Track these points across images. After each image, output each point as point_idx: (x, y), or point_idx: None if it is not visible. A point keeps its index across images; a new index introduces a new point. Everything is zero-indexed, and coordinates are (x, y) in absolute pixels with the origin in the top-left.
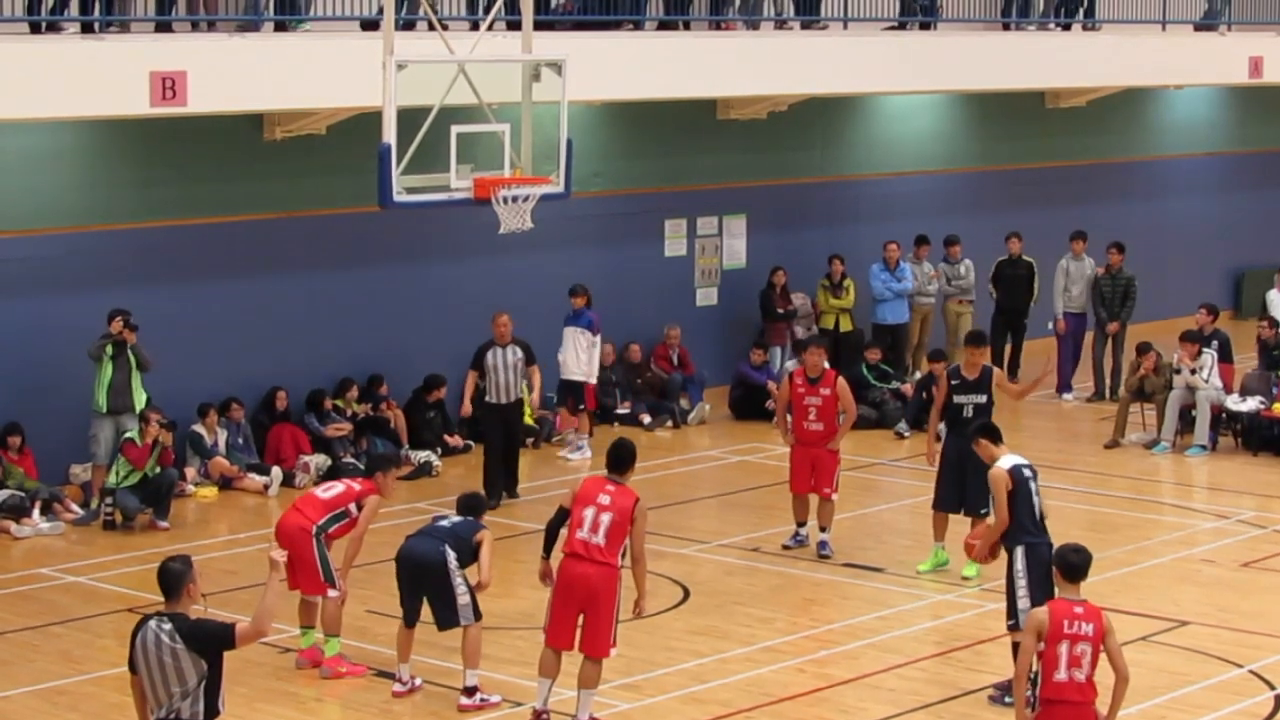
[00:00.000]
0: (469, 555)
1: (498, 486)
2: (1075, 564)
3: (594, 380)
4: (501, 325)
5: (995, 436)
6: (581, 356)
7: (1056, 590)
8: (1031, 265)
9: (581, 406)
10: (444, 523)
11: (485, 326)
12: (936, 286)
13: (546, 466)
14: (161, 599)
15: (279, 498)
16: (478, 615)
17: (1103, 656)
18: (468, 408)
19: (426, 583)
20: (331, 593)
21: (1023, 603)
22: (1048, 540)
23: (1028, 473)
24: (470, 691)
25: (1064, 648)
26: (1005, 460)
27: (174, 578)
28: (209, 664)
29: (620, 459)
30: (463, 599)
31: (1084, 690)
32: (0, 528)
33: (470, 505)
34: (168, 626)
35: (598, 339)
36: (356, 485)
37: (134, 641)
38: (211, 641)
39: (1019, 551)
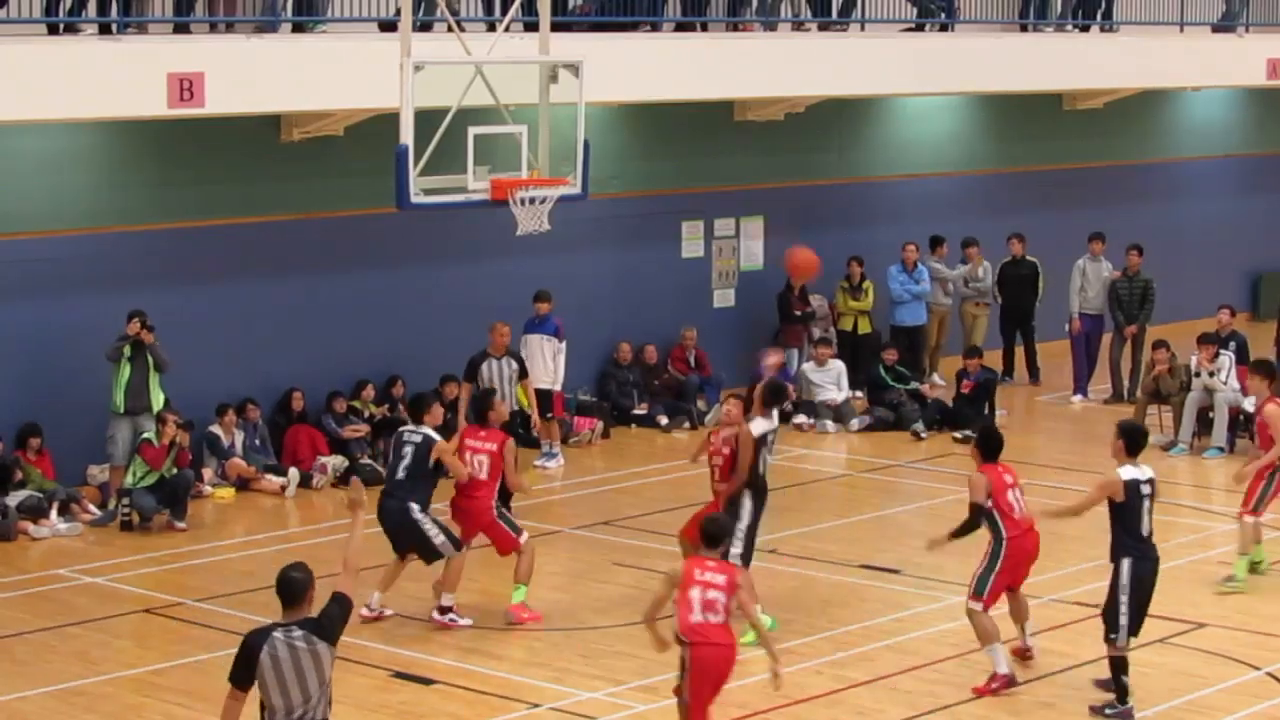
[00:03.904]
0: (430, 482)
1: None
2: None
3: (560, 387)
4: (501, 336)
5: (1130, 442)
6: (549, 364)
7: None
8: (1036, 265)
9: (550, 415)
10: (400, 474)
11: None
12: (953, 288)
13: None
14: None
15: (295, 499)
16: (457, 546)
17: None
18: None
19: (404, 537)
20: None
21: (1123, 619)
22: (1152, 556)
23: (1146, 489)
24: (444, 610)
25: None
26: (1126, 470)
27: (298, 587)
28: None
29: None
30: (437, 539)
31: None
32: (18, 529)
33: (414, 409)
34: (299, 632)
35: (563, 345)
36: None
37: (255, 657)
38: (339, 621)
39: (1125, 564)
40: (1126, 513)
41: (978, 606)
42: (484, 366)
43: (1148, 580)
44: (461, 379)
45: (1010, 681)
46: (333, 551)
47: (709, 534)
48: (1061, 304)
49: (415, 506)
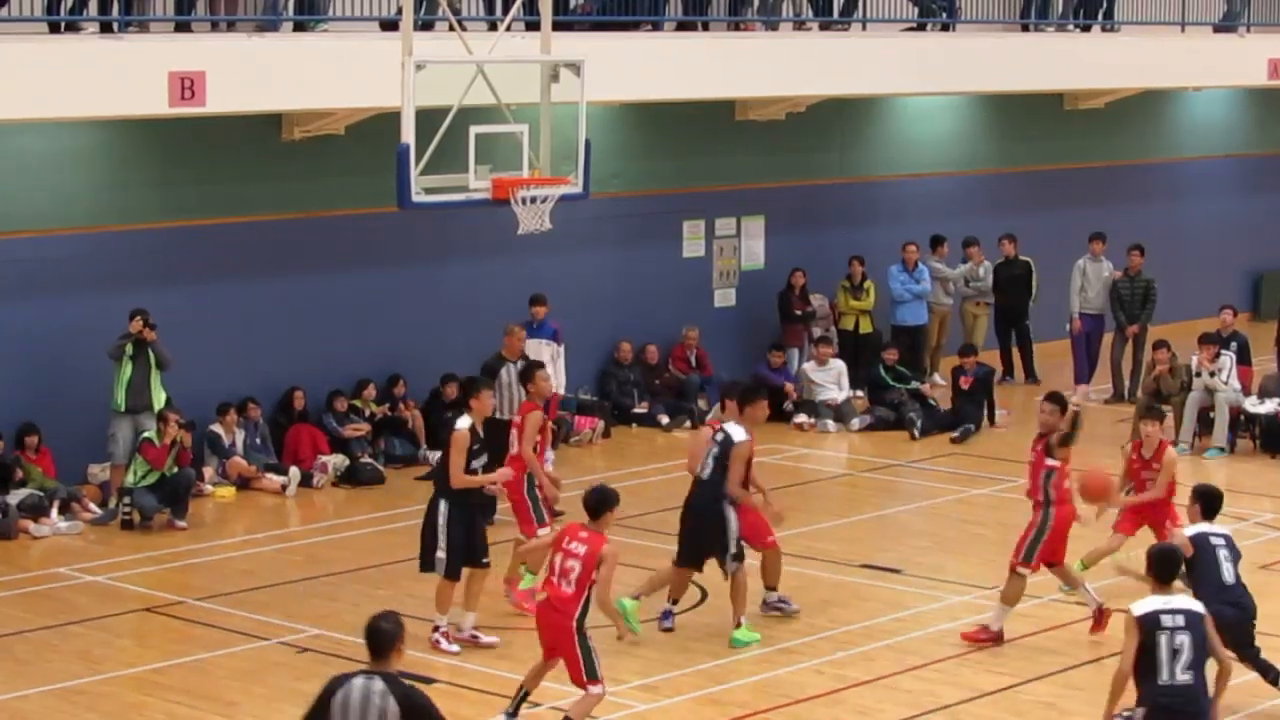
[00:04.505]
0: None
1: (495, 505)
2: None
3: (561, 390)
4: (517, 339)
5: (1206, 504)
6: (548, 368)
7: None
8: (1029, 264)
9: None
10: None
11: (503, 327)
12: (954, 288)
13: (564, 466)
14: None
15: (296, 498)
16: (448, 573)
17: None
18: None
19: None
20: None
21: None
22: (1236, 601)
23: (1216, 539)
24: (436, 628)
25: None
26: (1190, 528)
27: (385, 638)
28: None
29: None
30: (438, 553)
31: None
32: (19, 527)
33: (462, 394)
34: (380, 685)
35: (562, 349)
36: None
37: (329, 697)
38: (422, 709)
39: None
40: (1202, 566)
41: (1026, 571)
42: (502, 371)
43: (1229, 625)
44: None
45: (998, 640)
46: (332, 551)
47: (588, 503)
48: (1062, 304)
49: (442, 504)
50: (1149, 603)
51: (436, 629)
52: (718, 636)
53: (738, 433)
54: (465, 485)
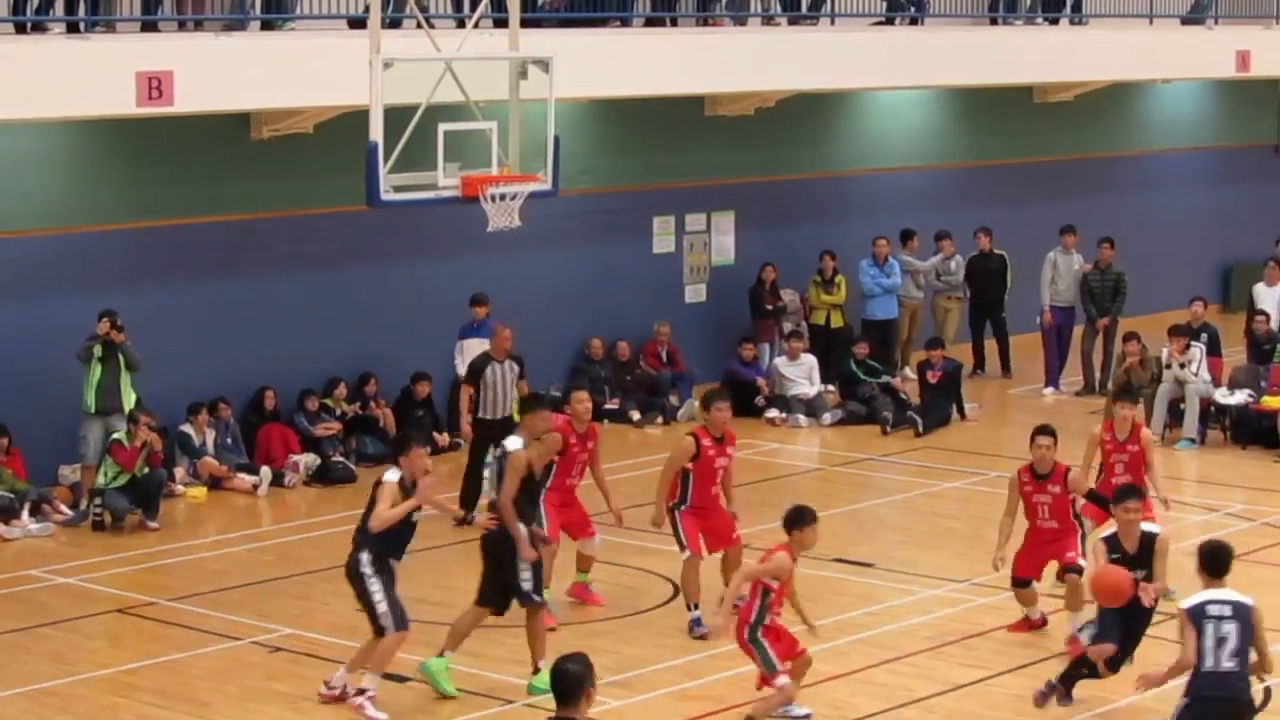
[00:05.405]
0: (389, 531)
1: (475, 500)
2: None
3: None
4: (504, 340)
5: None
6: (499, 371)
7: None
8: (1004, 258)
9: None
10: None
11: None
12: (925, 281)
13: None
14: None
15: (268, 497)
16: (398, 624)
17: None
18: (468, 430)
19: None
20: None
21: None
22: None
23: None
24: (361, 691)
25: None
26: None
27: (572, 682)
28: None
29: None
30: (380, 606)
31: None
32: None
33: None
34: None
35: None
36: None
37: None
38: None
39: None
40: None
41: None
42: (489, 370)
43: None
44: (464, 382)
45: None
46: (305, 550)
47: (785, 519)
48: (1033, 297)
49: (364, 558)
50: (1197, 595)
51: (361, 691)
52: None
53: (513, 443)
54: (385, 526)
